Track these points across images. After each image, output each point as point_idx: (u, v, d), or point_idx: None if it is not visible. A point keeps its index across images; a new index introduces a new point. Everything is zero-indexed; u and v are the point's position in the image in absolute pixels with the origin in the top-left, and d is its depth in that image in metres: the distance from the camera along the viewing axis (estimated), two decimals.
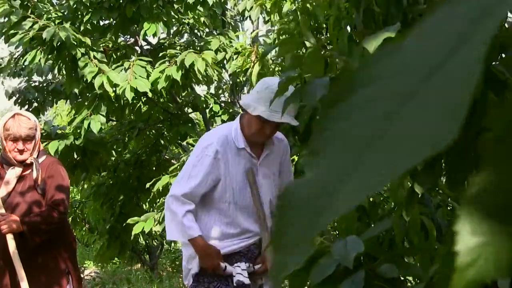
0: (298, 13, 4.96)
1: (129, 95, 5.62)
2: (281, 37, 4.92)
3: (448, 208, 2.76)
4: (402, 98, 0.33)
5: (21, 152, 3.71)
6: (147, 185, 6.10)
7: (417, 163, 0.30)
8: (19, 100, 7.22)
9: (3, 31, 6.03)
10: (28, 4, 5.99)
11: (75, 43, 5.66)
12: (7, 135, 3.68)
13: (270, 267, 0.35)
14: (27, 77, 7.31)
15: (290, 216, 0.35)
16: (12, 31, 5.84)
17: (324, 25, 4.69)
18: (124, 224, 6.51)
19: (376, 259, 1.52)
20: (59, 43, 5.54)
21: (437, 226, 2.47)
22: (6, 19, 5.89)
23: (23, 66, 7.00)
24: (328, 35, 4.20)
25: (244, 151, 3.25)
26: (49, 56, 5.86)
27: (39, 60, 5.84)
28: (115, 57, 6.54)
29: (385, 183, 0.31)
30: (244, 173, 3.26)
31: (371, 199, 4.43)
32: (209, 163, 3.21)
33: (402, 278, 1.73)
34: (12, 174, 3.74)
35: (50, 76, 7.26)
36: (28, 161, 3.74)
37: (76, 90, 6.47)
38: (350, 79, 0.36)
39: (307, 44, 2.24)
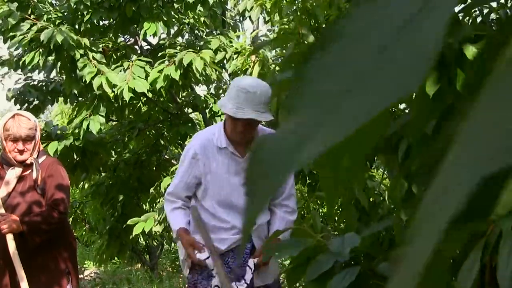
0: (298, 13, 4.97)
1: (127, 96, 5.62)
2: None
3: None
4: (376, 50, 0.35)
5: (21, 152, 3.71)
6: (151, 190, 6.13)
7: (384, 108, 0.32)
8: (19, 100, 7.19)
9: (2, 30, 6.03)
10: (28, 4, 5.98)
11: (74, 45, 5.66)
12: (7, 136, 3.68)
13: (243, 215, 0.37)
14: (27, 75, 7.29)
15: (261, 164, 0.37)
16: (11, 33, 5.84)
17: (324, 25, 4.69)
18: (125, 226, 6.51)
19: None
20: (57, 44, 5.54)
21: None
22: (4, 22, 5.88)
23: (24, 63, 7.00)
24: None
25: (226, 150, 3.33)
26: (48, 58, 5.86)
27: (38, 62, 5.83)
28: (115, 57, 6.54)
29: (353, 129, 0.33)
30: (227, 172, 3.33)
31: (371, 199, 4.44)
32: (188, 164, 3.38)
33: None
34: (12, 174, 3.74)
35: (53, 74, 7.23)
36: (28, 162, 3.75)
37: (75, 91, 6.46)
38: (325, 35, 0.38)
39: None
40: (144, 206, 7.91)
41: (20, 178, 3.76)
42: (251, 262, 3.34)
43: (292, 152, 0.35)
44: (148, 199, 7.38)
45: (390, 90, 0.33)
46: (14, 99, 7.14)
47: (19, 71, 7.12)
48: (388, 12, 0.36)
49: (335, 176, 0.46)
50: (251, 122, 3.19)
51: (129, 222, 5.89)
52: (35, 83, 7.33)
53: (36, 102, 7.17)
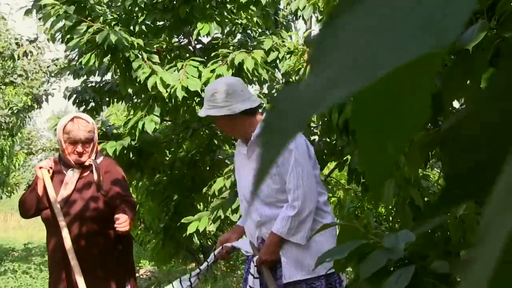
0: None
1: (180, 94, 5.66)
2: None
3: None
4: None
5: (80, 154, 3.78)
6: (204, 190, 6.15)
7: (408, 59, 0.31)
8: (77, 101, 7.32)
9: (61, 36, 6.18)
10: (85, 6, 6.09)
11: (128, 46, 5.73)
12: (67, 138, 3.75)
13: (259, 157, 0.38)
14: (85, 77, 7.41)
15: (277, 113, 0.37)
16: (68, 35, 5.96)
17: None
18: (179, 224, 6.56)
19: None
20: (112, 46, 5.62)
21: None
22: (63, 23, 6.00)
23: (82, 67, 7.11)
24: None
25: (239, 151, 3.56)
26: (104, 59, 5.95)
27: (94, 63, 5.93)
28: (169, 57, 6.60)
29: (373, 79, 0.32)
30: (242, 171, 3.53)
31: (426, 199, 4.37)
32: (235, 163, 3.69)
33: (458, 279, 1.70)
34: (72, 176, 3.82)
35: (108, 76, 7.35)
36: (86, 163, 3.82)
37: (130, 91, 6.55)
38: None
39: None
40: (198, 206, 7.96)
41: (79, 179, 3.84)
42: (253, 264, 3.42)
43: (311, 100, 0.34)
44: (203, 199, 7.43)
45: (417, 41, 0.32)
46: (72, 99, 7.27)
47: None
48: None
49: (380, 161, 0.45)
50: (216, 118, 3.41)
51: (183, 220, 5.94)
52: (93, 84, 7.45)
53: (92, 103, 7.29)
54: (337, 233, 1.81)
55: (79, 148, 3.75)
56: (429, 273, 1.41)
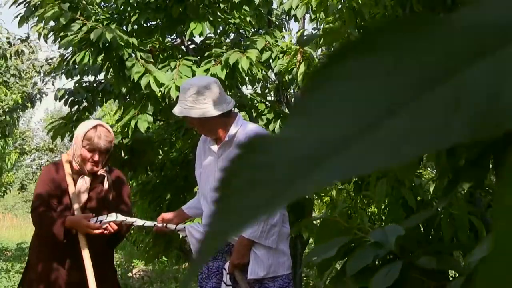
0: (344, 11, 4.93)
1: (174, 94, 5.64)
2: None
3: None
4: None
5: (96, 163, 3.68)
6: (196, 189, 6.15)
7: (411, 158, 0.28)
8: (69, 101, 7.26)
9: (54, 34, 6.15)
10: (78, 6, 6.06)
11: (122, 44, 5.71)
12: (86, 145, 3.65)
13: (203, 235, 0.29)
14: (78, 77, 7.35)
15: (254, 173, 0.28)
16: (62, 33, 5.93)
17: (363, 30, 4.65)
18: None
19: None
20: (106, 44, 5.60)
21: (487, 226, 2.43)
22: (55, 23, 5.97)
23: (75, 66, 7.07)
24: None
25: (208, 146, 3.56)
26: (98, 57, 5.92)
27: (88, 61, 5.90)
28: (161, 57, 6.58)
29: (375, 169, 0.27)
30: (212, 168, 3.52)
31: (418, 198, 4.37)
32: (196, 159, 3.70)
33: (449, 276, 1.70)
34: (84, 184, 3.72)
35: (101, 76, 7.31)
36: (99, 173, 3.74)
37: (123, 90, 6.53)
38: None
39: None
40: None
41: (91, 190, 3.75)
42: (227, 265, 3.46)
43: (301, 170, 0.27)
44: None
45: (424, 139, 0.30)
46: (63, 100, 7.22)
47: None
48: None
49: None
50: (187, 118, 3.42)
51: None
52: (86, 84, 7.41)
53: (85, 103, 7.25)
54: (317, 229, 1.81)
55: (96, 157, 3.65)
56: (417, 269, 1.41)
